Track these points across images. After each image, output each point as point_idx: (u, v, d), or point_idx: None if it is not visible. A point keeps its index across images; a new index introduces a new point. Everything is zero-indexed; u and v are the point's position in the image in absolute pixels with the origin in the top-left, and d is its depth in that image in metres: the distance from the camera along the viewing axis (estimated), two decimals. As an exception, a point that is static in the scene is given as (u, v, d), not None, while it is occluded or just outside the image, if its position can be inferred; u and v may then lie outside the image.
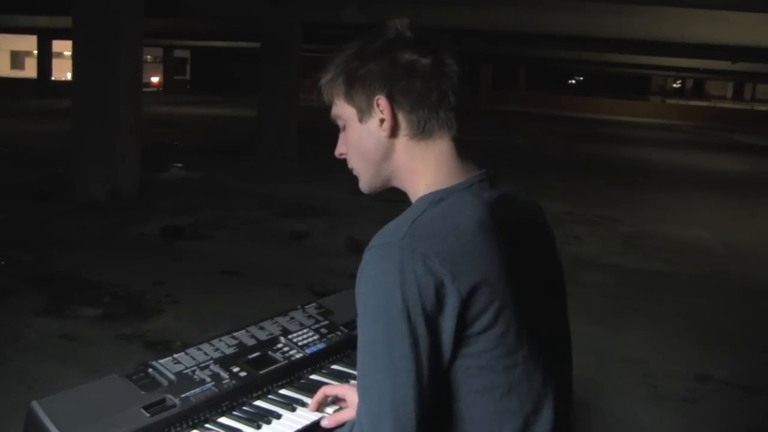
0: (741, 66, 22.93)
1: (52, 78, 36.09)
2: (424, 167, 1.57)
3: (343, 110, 1.61)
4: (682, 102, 50.98)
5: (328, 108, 1.65)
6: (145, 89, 22.53)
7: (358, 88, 1.56)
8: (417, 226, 1.43)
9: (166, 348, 4.72)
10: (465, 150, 1.60)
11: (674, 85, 63.14)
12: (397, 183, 1.62)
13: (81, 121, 10.01)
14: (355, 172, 1.67)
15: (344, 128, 1.64)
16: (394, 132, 1.56)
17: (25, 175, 11.47)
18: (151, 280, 6.53)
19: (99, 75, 9.71)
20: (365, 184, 1.66)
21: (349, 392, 1.86)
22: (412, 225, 1.43)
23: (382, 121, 1.55)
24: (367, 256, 1.43)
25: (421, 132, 1.56)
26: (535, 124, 30.20)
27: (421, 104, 1.54)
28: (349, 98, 1.58)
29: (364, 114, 1.57)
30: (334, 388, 1.90)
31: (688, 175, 16.84)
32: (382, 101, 1.54)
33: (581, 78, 62.47)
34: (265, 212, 9.81)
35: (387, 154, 1.59)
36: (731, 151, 24.51)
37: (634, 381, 5.13)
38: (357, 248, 7.04)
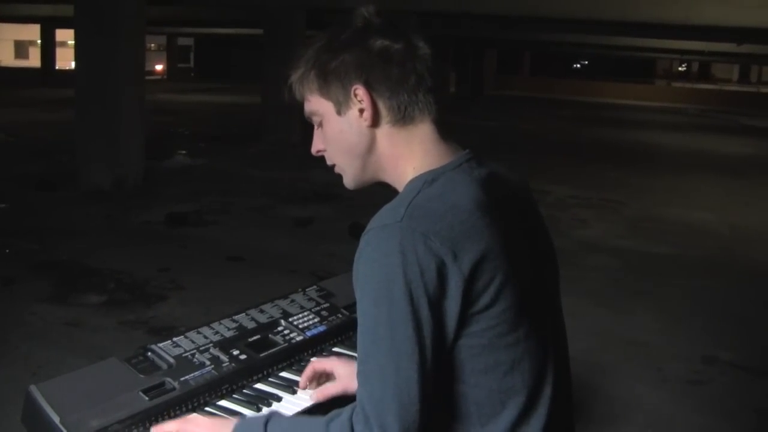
0: (746, 48, 22.78)
1: (56, 67, 36.03)
2: (409, 152, 1.55)
3: (318, 105, 1.58)
4: (688, 85, 50.67)
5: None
6: (149, 77, 22.52)
7: (333, 80, 1.53)
8: (415, 207, 1.41)
9: (170, 334, 4.72)
10: (447, 132, 1.58)
11: (680, 69, 62.84)
12: (383, 174, 1.59)
13: (84, 109, 10.00)
14: (337, 170, 1.63)
15: (320, 124, 1.60)
16: (375, 121, 1.53)
17: (29, 164, 11.48)
18: (155, 267, 6.54)
19: (101, 63, 9.71)
20: (351, 179, 1.62)
21: (338, 366, 1.85)
22: (410, 206, 1.41)
23: (361, 111, 1.53)
24: (366, 239, 1.41)
25: (403, 117, 1.53)
26: (539, 108, 30.14)
27: (400, 89, 1.51)
28: (324, 92, 1.55)
29: (342, 106, 1.54)
30: (322, 362, 1.89)
31: (693, 159, 16.79)
32: (360, 90, 1.51)
33: (586, 62, 62.29)
34: (270, 198, 9.81)
35: (371, 145, 1.56)
36: (737, 134, 24.43)
37: (640, 363, 5.12)
38: (361, 233, 7.02)
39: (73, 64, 11.03)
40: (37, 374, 4.29)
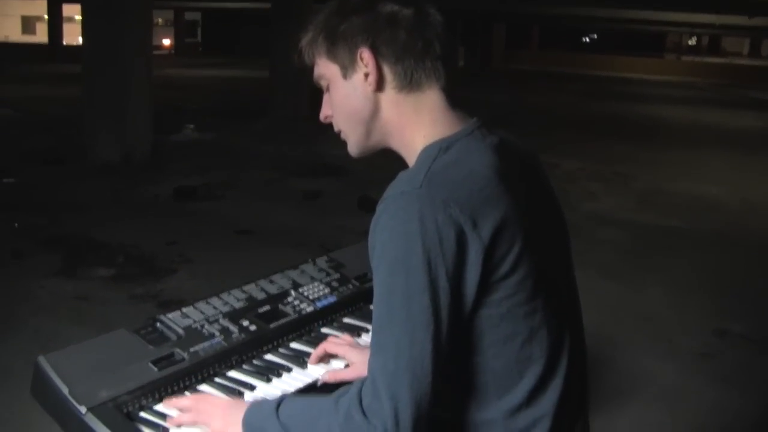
0: (758, 21, 22.58)
1: (64, 43, 35.94)
2: (417, 119, 1.52)
3: (326, 69, 1.56)
4: (698, 59, 50.36)
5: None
6: (156, 52, 22.46)
7: (340, 43, 1.51)
8: (433, 174, 1.38)
9: (180, 306, 4.72)
10: (455, 100, 1.56)
11: (689, 42, 62.36)
12: (389, 141, 1.57)
13: (92, 84, 9.96)
14: (342, 136, 1.61)
15: (328, 89, 1.59)
16: (380, 85, 1.51)
17: (37, 140, 11.47)
18: (164, 241, 6.53)
19: (109, 38, 9.66)
20: (354, 145, 1.60)
21: (350, 353, 1.84)
22: (428, 172, 1.39)
23: (366, 75, 1.51)
24: (383, 206, 1.38)
25: (409, 83, 1.51)
26: (548, 82, 29.99)
27: (406, 54, 1.49)
28: (332, 55, 1.54)
29: (347, 70, 1.53)
30: (336, 347, 1.87)
31: (703, 133, 16.68)
32: (365, 54, 1.49)
33: (595, 36, 61.90)
34: (278, 172, 9.79)
35: (375, 111, 1.53)
36: (747, 108, 24.26)
37: (650, 336, 5.11)
38: (370, 207, 6.99)
39: (80, 40, 10.98)
40: (46, 347, 4.28)
